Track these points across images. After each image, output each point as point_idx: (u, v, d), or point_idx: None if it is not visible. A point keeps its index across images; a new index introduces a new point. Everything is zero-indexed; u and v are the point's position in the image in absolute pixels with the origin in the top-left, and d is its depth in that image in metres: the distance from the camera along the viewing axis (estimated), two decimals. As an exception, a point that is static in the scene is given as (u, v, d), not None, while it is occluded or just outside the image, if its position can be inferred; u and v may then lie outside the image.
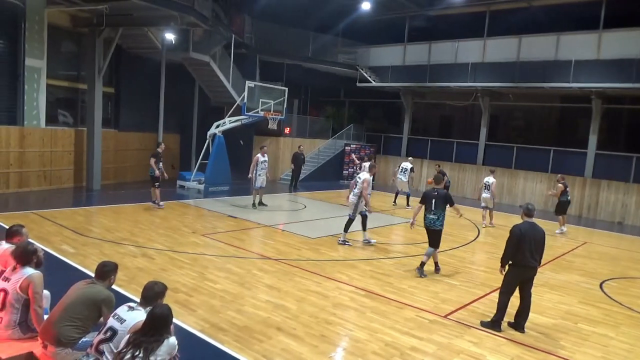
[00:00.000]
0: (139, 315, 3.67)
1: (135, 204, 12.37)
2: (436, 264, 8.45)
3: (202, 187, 15.70)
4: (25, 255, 4.27)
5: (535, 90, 18.76)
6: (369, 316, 6.19)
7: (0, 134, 12.67)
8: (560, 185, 13.26)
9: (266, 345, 5.16)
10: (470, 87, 19.58)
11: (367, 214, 9.98)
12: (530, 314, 6.13)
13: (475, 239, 11.79)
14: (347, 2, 21.08)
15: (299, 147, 18.56)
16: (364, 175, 9.77)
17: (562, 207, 13.39)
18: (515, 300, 6.09)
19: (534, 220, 6.12)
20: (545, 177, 18.40)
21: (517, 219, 6.46)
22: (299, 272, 7.83)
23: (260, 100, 15.73)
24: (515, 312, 6.12)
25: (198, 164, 16.62)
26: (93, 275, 4.27)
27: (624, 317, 6.99)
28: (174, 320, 5.45)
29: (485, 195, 13.46)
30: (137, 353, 3.23)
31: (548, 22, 18.53)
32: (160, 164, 12.32)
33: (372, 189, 10.56)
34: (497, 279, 6.61)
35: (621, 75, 15.89)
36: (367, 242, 10.06)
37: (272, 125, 16.46)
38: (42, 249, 4.64)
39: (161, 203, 12.34)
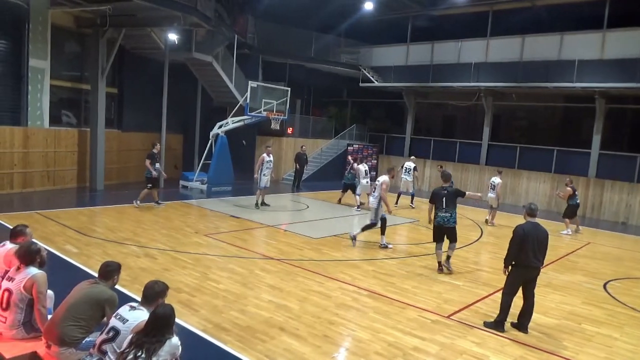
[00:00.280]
0: (141, 315, 3.68)
1: (141, 204, 12.36)
2: (448, 257, 8.65)
3: (204, 187, 15.73)
4: (28, 255, 4.28)
5: (539, 90, 18.71)
6: (371, 316, 6.18)
7: (4, 135, 12.73)
8: (568, 188, 13.23)
9: (269, 345, 5.16)
10: (473, 87, 19.55)
11: (386, 215, 9.95)
12: (534, 314, 6.12)
13: (478, 239, 11.77)
14: (349, 2, 21.07)
15: (302, 147, 18.56)
16: (383, 178, 9.73)
17: (570, 211, 13.36)
18: (518, 301, 6.08)
19: (537, 220, 6.11)
20: (548, 177, 18.35)
21: (520, 219, 6.44)
22: (302, 272, 7.83)
23: (263, 100, 15.75)
24: (518, 312, 6.11)
25: (201, 164, 16.65)
26: (96, 275, 4.28)
27: (627, 317, 6.96)
28: (178, 320, 5.49)
29: (490, 195, 13.55)
30: (139, 354, 3.23)
31: (551, 21, 18.49)
32: (157, 165, 12.31)
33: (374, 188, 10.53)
34: (500, 279, 6.60)
35: (625, 75, 15.83)
36: (384, 247, 9.94)
37: (275, 126, 16.47)
38: (46, 249, 4.65)
39: (138, 202, 12.13)
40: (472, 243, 11.21)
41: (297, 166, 18.33)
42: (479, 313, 6.58)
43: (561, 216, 13.75)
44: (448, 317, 6.38)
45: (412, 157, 17.84)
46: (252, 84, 15.48)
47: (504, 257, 6.08)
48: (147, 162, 12.10)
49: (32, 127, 13.40)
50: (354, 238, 9.91)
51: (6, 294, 4.19)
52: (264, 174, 13.24)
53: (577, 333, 6.19)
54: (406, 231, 12.18)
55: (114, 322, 3.73)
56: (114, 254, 8.01)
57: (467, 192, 8.75)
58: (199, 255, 8.38)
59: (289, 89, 16.91)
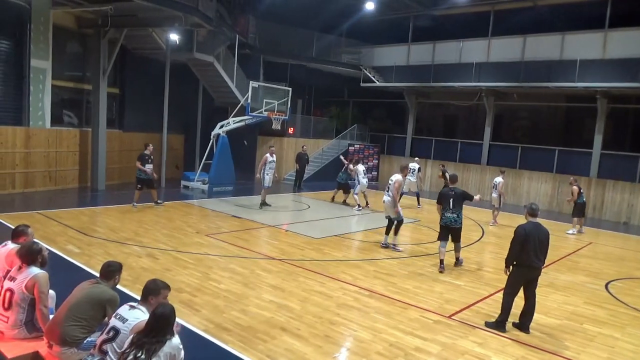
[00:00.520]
0: (140, 315, 3.67)
1: (140, 204, 12.37)
2: (457, 259, 8.89)
3: (206, 187, 15.74)
4: (30, 255, 4.28)
5: (540, 90, 18.69)
6: (372, 316, 6.18)
7: (6, 135, 12.75)
8: (574, 187, 13.25)
9: (270, 345, 5.16)
10: (475, 87, 19.54)
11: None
12: (535, 314, 6.11)
13: (479, 239, 11.76)
14: (351, 2, 21.08)
15: (303, 147, 18.56)
16: (396, 177, 9.75)
17: (579, 210, 13.35)
18: (519, 301, 6.07)
19: (539, 220, 6.10)
20: (550, 177, 18.33)
21: (521, 219, 6.44)
22: (303, 272, 7.83)
23: (264, 100, 15.75)
24: (519, 312, 6.10)
25: (202, 164, 16.66)
26: (98, 275, 4.28)
27: (630, 317, 6.95)
28: (179, 320, 5.49)
29: (493, 195, 13.66)
30: (139, 355, 3.22)
31: (553, 21, 18.48)
32: (150, 165, 12.11)
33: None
34: (502, 279, 6.59)
35: (627, 74, 15.81)
36: (385, 246, 9.94)
37: (276, 126, 16.48)
38: (47, 249, 4.66)
39: (135, 204, 12.12)
40: (473, 243, 11.20)
41: (298, 166, 18.33)
42: (480, 313, 6.57)
43: (571, 216, 13.76)
44: (449, 317, 6.37)
45: (416, 158, 17.87)
46: (253, 84, 15.48)
47: (505, 257, 6.07)
48: (138, 163, 12.04)
49: (33, 127, 13.42)
50: (393, 245, 9.82)
51: (8, 293, 4.20)
52: (267, 174, 13.28)
53: (578, 333, 6.18)
54: (407, 231, 12.16)
55: (113, 321, 3.72)
56: (116, 254, 8.02)
57: (474, 197, 8.86)
58: (200, 255, 8.39)
59: (290, 89, 16.92)
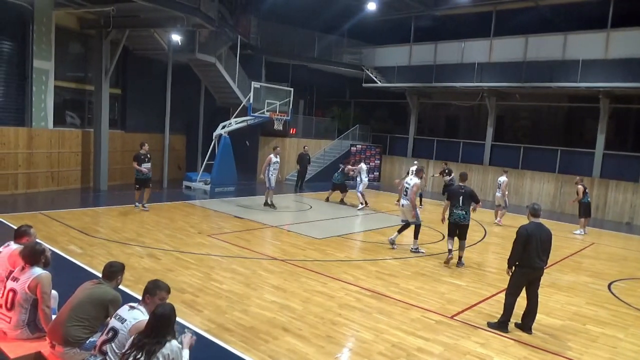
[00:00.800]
0: (139, 315, 3.66)
1: (147, 204, 12.37)
2: (460, 257, 9.00)
3: (208, 187, 15.74)
4: (33, 255, 4.29)
5: (543, 90, 18.66)
6: (375, 317, 6.17)
7: (9, 136, 12.78)
8: (579, 186, 13.24)
9: (272, 345, 5.16)
10: (477, 87, 19.51)
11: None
12: (538, 315, 6.10)
13: (481, 240, 11.74)
14: (352, 3, 21.08)
15: (304, 147, 18.57)
16: (414, 180, 9.78)
17: (584, 210, 13.33)
18: (522, 301, 6.06)
19: (541, 220, 6.09)
20: (552, 178, 18.29)
21: (523, 220, 6.42)
22: (305, 273, 7.83)
23: (266, 101, 15.77)
24: (522, 313, 6.09)
25: (204, 164, 16.68)
26: (100, 275, 4.29)
27: (633, 318, 6.93)
28: (181, 321, 5.49)
29: (497, 194, 13.77)
30: (139, 356, 3.21)
31: (555, 21, 18.45)
32: (147, 164, 11.87)
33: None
34: (504, 280, 6.58)
35: (629, 74, 15.78)
36: (391, 243, 10.01)
37: (278, 126, 16.50)
38: (50, 249, 4.67)
39: (146, 205, 12.00)
40: (475, 243, 11.18)
41: (300, 167, 18.33)
42: (482, 314, 6.56)
43: (577, 216, 13.74)
44: (452, 317, 6.37)
45: (416, 161, 17.91)
46: (255, 84, 15.50)
47: (508, 257, 6.06)
48: (134, 163, 11.90)
49: (36, 127, 13.45)
50: (416, 250, 9.81)
51: (11, 294, 4.20)
52: (271, 175, 13.33)
53: (581, 334, 6.17)
54: (410, 231, 12.12)
55: (113, 322, 3.72)
56: (118, 254, 8.04)
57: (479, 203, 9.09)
58: (202, 256, 8.40)
59: (292, 89, 16.93)
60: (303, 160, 18.24)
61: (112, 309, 3.96)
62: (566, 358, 5.42)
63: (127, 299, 4.78)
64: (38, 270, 4.24)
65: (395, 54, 22.29)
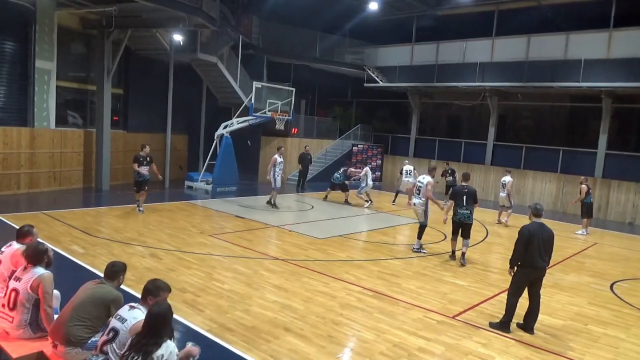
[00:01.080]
0: (139, 315, 3.66)
1: (143, 205, 12.40)
2: (463, 254, 9.13)
3: (209, 187, 15.76)
4: (36, 255, 4.30)
5: (545, 89, 18.62)
6: (376, 317, 6.17)
7: (11, 136, 12.81)
8: (583, 186, 13.20)
9: (273, 345, 5.17)
10: (479, 87, 19.48)
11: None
12: (540, 315, 6.09)
13: (483, 240, 11.73)
14: (354, 2, 21.07)
15: (305, 147, 18.57)
16: (427, 179, 9.75)
17: (587, 210, 13.30)
18: (524, 302, 6.05)
19: (543, 220, 6.08)
20: (554, 178, 18.26)
21: (526, 220, 6.42)
22: (307, 273, 7.83)
23: (268, 100, 15.78)
24: (524, 313, 6.08)
25: (206, 164, 16.69)
26: (102, 275, 4.30)
27: (635, 318, 6.91)
28: (183, 320, 5.50)
29: (501, 194, 13.67)
30: (136, 358, 3.21)
31: (557, 21, 18.40)
32: (145, 167, 11.58)
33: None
34: (506, 280, 6.57)
35: (631, 74, 15.73)
36: (417, 250, 9.93)
37: (280, 126, 16.51)
38: (52, 249, 4.68)
39: (141, 207, 11.79)
40: (477, 243, 11.16)
41: (301, 166, 18.34)
42: (484, 314, 6.56)
43: (580, 217, 13.71)
44: (453, 317, 6.36)
45: (406, 160, 17.91)
46: (256, 84, 15.50)
47: (510, 257, 6.05)
48: (134, 165, 11.65)
49: (38, 127, 13.48)
50: (419, 250, 9.81)
51: (13, 294, 4.21)
52: (277, 175, 13.37)
53: (583, 334, 6.16)
54: (411, 231, 12.14)
55: (113, 322, 3.72)
56: (120, 254, 8.05)
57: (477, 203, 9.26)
58: (204, 256, 8.40)
59: (294, 89, 16.94)
60: (304, 160, 18.25)
61: (113, 309, 3.96)
62: (568, 358, 5.41)
63: (129, 298, 4.79)
64: (40, 270, 4.25)
65: (397, 54, 22.27)
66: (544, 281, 6.14)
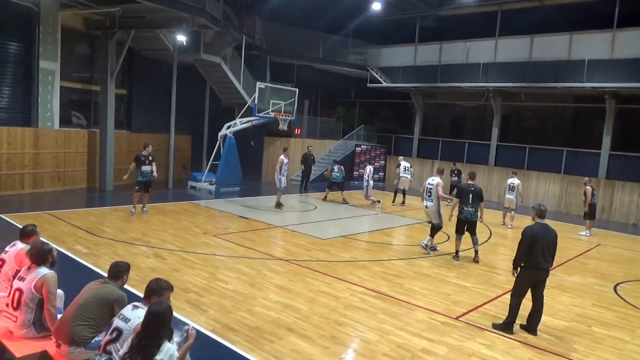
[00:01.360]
0: (142, 314, 3.67)
1: (146, 205, 12.43)
2: (476, 252, 9.37)
3: (213, 187, 15.79)
4: (41, 255, 4.32)
5: (548, 90, 18.57)
6: (379, 317, 6.17)
7: (15, 136, 12.86)
8: (588, 187, 13.14)
9: (277, 345, 5.17)
10: (482, 87, 19.45)
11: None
12: (543, 316, 6.07)
13: (487, 240, 11.70)
14: (357, 3, 21.07)
15: (308, 147, 18.57)
16: (436, 180, 9.80)
17: (591, 211, 13.23)
18: (527, 303, 6.03)
19: (546, 221, 6.06)
20: (557, 178, 18.20)
21: (529, 221, 6.40)
22: (310, 273, 7.83)
23: (271, 101, 15.79)
24: (527, 314, 6.06)
25: (209, 164, 16.72)
26: (106, 275, 4.31)
27: (639, 320, 6.88)
28: (186, 320, 5.50)
29: (509, 196, 13.55)
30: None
31: (561, 21, 18.34)
32: (146, 167, 11.37)
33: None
34: (509, 281, 6.56)
35: (635, 74, 15.67)
36: (433, 249, 9.94)
37: (283, 126, 16.52)
38: (56, 249, 4.69)
39: (145, 208, 11.70)
40: (481, 244, 11.11)
41: (304, 167, 18.34)
42: (487, 315, 6.54)
43: (582, 218, 13.65)
44: (457, 318, 6.35)
45: (401, 157, 17.74)
46: (260, 84, 15.53)
47: (513, 258, 6.04)
48: (133, 164, 11.47)
49: (42, 128, 13.53)
50: (431, 248, 9.83)
51: (17, 293, 4.23)
52: (282, 176, 13.43)
53: (587, 336, 6.13)
54: (413, 232, 12.13)
55: (117, 322, 3.73)
56: (123, 254, 8.07)
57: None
58: (207, 256, 8.42)
59: (297, 89, 16.94)
60: (307, 160, 18.24)
61: (117, 309, 3.97)
62: (572, 360, 5.39)
63: (133, 298, 4.79)
64: (44, 270, 4.26)
65: (400, 54, 22.25)
66: (547, 282, 6.12)
